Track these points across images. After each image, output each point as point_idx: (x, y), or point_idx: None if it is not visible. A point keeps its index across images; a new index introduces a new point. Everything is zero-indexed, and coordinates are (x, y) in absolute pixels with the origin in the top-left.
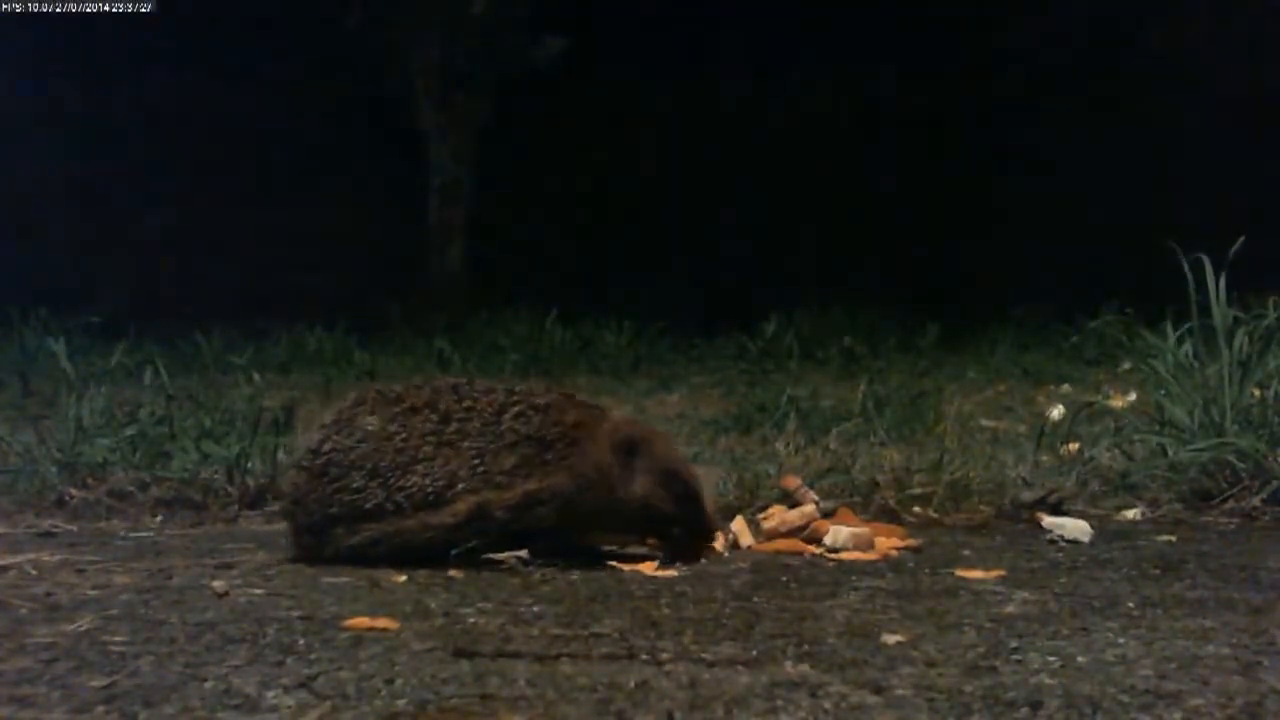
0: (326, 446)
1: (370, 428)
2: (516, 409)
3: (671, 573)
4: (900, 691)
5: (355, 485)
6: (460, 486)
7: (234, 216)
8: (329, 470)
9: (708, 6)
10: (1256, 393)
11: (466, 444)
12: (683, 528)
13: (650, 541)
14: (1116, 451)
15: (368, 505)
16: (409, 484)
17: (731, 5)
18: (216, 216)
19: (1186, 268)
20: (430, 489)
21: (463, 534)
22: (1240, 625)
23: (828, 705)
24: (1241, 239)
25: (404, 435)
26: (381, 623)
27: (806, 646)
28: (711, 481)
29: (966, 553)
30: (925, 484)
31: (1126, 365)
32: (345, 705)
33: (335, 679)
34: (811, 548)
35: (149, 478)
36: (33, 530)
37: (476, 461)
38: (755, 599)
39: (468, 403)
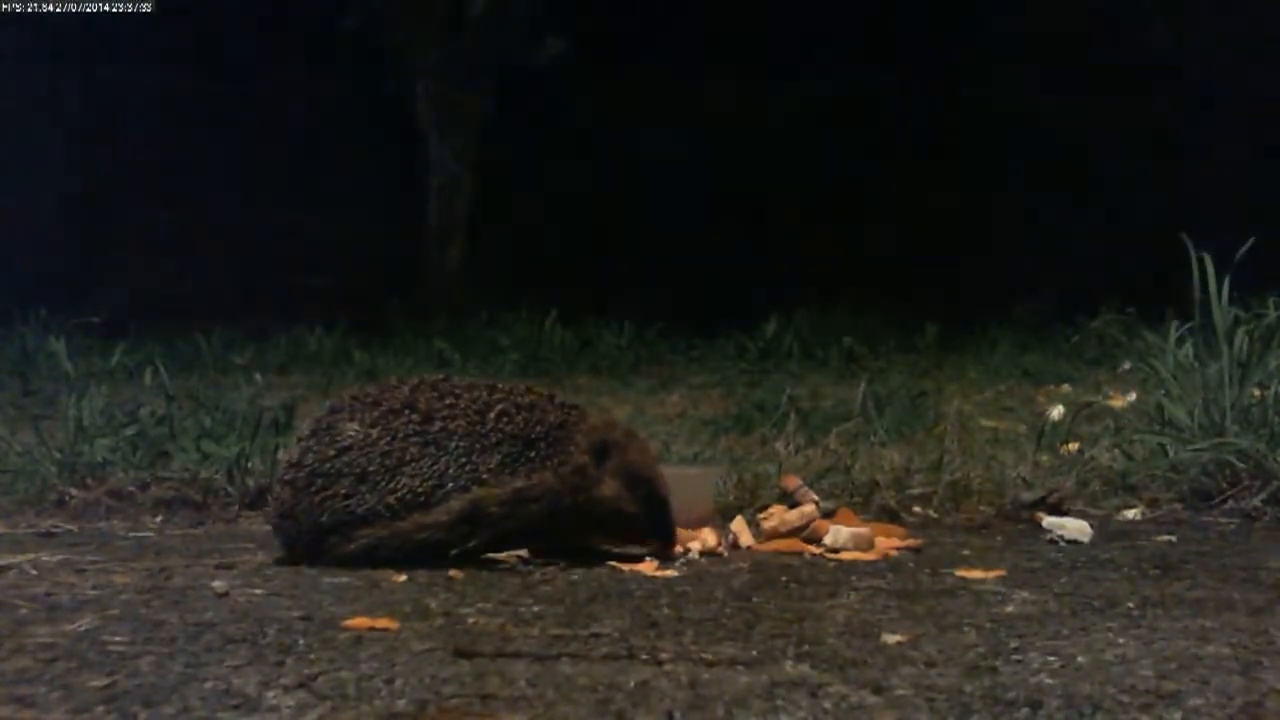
0: (308, 458)
1: (352, 434)
2: (500, 407)
3: (671, 573)
4: (900, 691)
5: (344, 492)
6: (450, 485)
7: (234, 216)
8: (314, 481)
9: (707, 6)
10: (1256, 393)
11: (453, 443)
12: (648, 532)
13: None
14: (1116, 451)
15: (360, 510)
16: (399, 486)
17: (731, 5)
18: (216, 216)
19: (1197, 263)
20: (421, 489)
21: (458, 532)
22: (1240, 625)
23: (828, 705)
24: (1251, 240)
25: (388, 438)
26: (381, 623)
27: (806, 646)
28: (711, 481)
29: (966, 553)
30: (925, 484)
31: (1126, 365)
32: (345, 705)
33: (335, 679)
34: (811, 548)
35: (149, 478)
36: (33, 530)
37: (464, 460)
38: (755, 599)
39: (449, 400)
